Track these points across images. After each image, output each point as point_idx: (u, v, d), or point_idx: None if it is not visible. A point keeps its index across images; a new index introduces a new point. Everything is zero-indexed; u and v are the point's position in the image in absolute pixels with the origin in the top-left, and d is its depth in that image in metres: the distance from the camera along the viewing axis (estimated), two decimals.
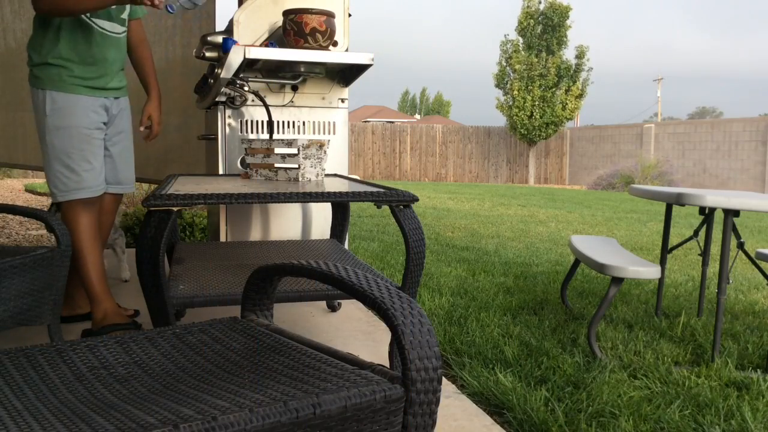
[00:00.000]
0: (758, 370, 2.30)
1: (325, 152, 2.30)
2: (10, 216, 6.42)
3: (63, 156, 2.26)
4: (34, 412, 0.81)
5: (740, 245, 2.60)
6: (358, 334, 2.57)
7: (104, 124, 2.38)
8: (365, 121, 24.88)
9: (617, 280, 2.39)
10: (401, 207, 1.87)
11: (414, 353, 0.85)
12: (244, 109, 2.82)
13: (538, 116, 18.83)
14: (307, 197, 1.77)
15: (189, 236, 4.60)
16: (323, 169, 2.31)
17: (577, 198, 11.88)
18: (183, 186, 1.98)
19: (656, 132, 17.43)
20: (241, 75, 2.66)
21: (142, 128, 2.59)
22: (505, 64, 19.60)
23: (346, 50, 2.90)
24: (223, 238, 2.84)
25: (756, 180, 14.89)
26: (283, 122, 2.88)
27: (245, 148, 2.31)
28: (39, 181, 10.91)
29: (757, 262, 2.64)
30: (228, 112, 2.80)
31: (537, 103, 18.77)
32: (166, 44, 4.16)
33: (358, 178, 2.60)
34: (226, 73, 2.55)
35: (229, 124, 2.81)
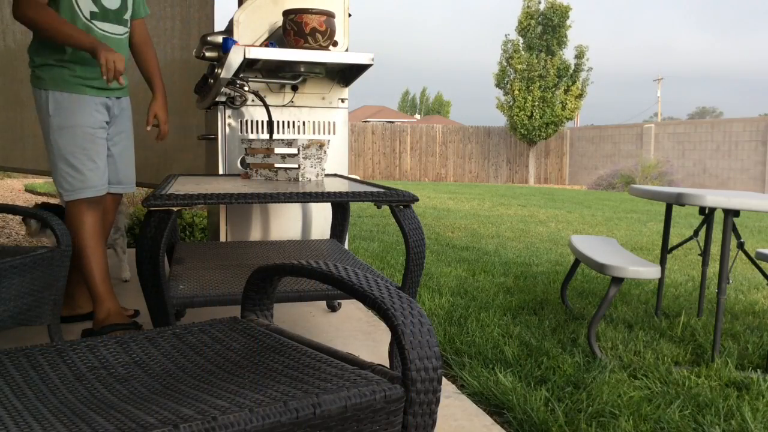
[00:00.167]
0: (758, 370, 2.30)
1: (325, 152, 2.30)
2: (10, 216, 6.42)
3: (68, 155, 2.26)
4: (34, 412, 0.81)
5: (740, 245, 2.60)
6: (358, 334, 2.57)
7: (106, 123, 2.38)
8: (365, 121, 24.88)
9: (617, 280, 2.39)
10: (401, 207, 1.87)
11: (414, 353, 0.85)
12: (244, 109, 2.82)
13: (538, 116, 18.83)
14: (307, 197, 1.77)
15: (189, 236, 4.60)
16: (323, 169, 2.31)
17: (577, 198, 11.88)
18: (183, 186, 1.98)
19: (656, 132, 17.43)
20: (241, 75, 2.66)
21: (149, 128, 2.58)
22: (505, 64, 19.60)
23: (346, 50, 2.90)
24: (223, 238, 2.84)
25: (756, 180, 14.89)
26: (283, 122, 2.88)
27: (245, 148, 2.31)
28: (39, 181, 10.91)
29: (757, 262, 2.64)
30: (228, 112, 2.80)
31: (537, 103, 18.77)
32: (165, 45, 4.15)
33: (358, 178, 2.60)
34: (226, 73, 2.55)
35: (229, 124, 2.81)
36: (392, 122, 24.71)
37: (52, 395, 0.88)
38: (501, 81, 19.75)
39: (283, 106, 2.87)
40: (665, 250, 2.91)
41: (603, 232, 6.54)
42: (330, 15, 2.69)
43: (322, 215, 2.96)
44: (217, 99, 2.75)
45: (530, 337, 2.59)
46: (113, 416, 0.79)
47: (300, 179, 2.18)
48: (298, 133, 2.91)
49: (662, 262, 2.89)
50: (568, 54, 23.32)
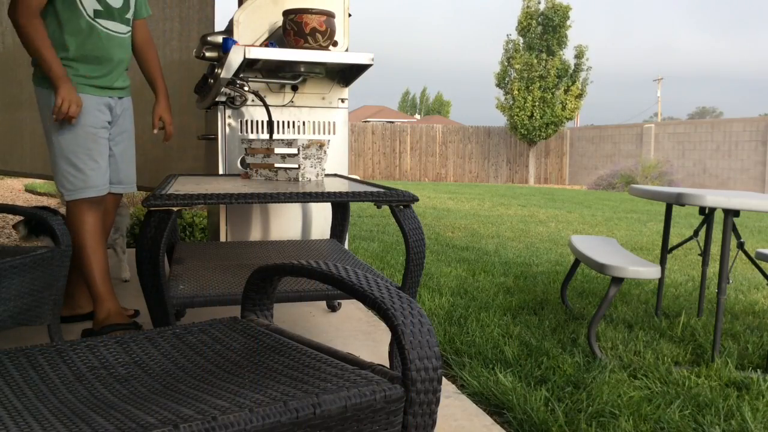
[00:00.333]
0: (758, 370, 2.30)
1: (325, 152, 2.30)
2: (10, 216, 6.43)
3: (70, 155, 2.26)
4: (34, 412, 0.81)
5: (740, 245, 2.60)
6: (358, 334, 2.57)
7: (108, 123, 2.38)
8: (365, 121, 24.88)
9: (617, 280, 2.39)
10: (401, 207, 1.87)
11: (414, 353, 0.85)
12: (244, 109, 2.82)
13: (538, 116, 18.83)
14: (307, 197, 1.77)
15: (189, 236, 4.60)
16: (323, 169, 2.31)
17: (577, 198, 11.88)
18: (183, 186, 1.98)
19: (656, 132, 17.43)
20: (241, 75, 2.66)
21: (155, 131, 2.60)
22: (506, 63, 19.60)
23: (346, 50, 2.90)
24: (223, 238, 2.84)
25: (756, 180, 14.89)
26: (283, 122, 2.88)
27: (245, 148, 2.31)
28: (39, 181, 10.90)
29: (757, 262, 2.64)
30: (228, 112, 2.80)
31: (537, 103, 18.77)
32: (164, 47, 4.15)
33: (358, 178, 2.60)
34: (226, 73, 2.55)
35: (229, 124, 2.81)
36: (392, 122, 24.71)
37: (52, 395, 0.88)
38: (502, 81, 19.75)
39: (283, 106, 2.87)
40: (665, 250, 2.91)
41: (603, 232, 6.54)
42: (330, 15, 2.69)
43: (322, 215, 2.96)
44: (217, 99, 2.75)
45: (530, 337, 2.59)
46: (113, 416, 0.79)
47: (300, 179, 2.18)
48: (298, 133, 2.91)
49: (662, 262, 2.89)
50: (568, 54, 23.31)
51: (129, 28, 2.43)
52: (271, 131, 2.62)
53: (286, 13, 2.67)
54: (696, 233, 2.83)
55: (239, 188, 1.88)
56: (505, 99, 19.66)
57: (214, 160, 2.92)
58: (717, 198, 2.25)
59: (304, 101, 2.90)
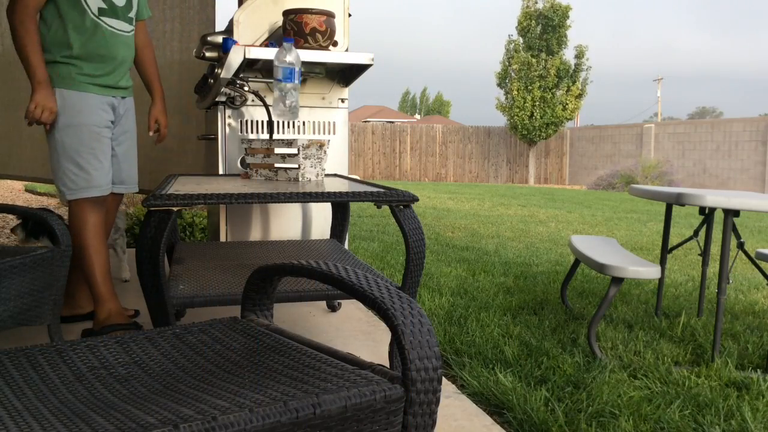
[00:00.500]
0: (758, 370, 2.30)
1: (325, 152, 2.30)
2: (10, 216, 6.42)
3: (73, 154, 2.25)
4: (34, 412, 0.81)
5: (740, 245, 2.60)
6: (358, 334, 2.57)
7: (111, 123, 2.38)
8: (365, 121, 24.89)
9: (617, 280, 2.39)
10: (401, 207, 1.87)
11: (414, 353, 0.85)
12: (244, 109, 2.82)
13: (538, 116, 18.83)
14: (307, 197, 1.77)
15: (189, 236, 4.60)
16: (323, 169, 2.31)
17: (577, 198, 11.88)
18: (183, 186, 1.98)
19: (656, 132, 17.43)
20: (241, 75, 2.66)
21: (151, 133, 2.60)
22: (507, 63, 19.60)
23: (346, 50, 2.90)
24: (223, 238, 2.84)
25: (756, 180, 14.89)
26: (283, 122, 2.88)
27: (245, 148, 2.31)
28: None
29: (757, 262, 2.64)
30: (228, 112, 2.80)
31: (537, 103, 18.77)
32: (164, 48, 4.15)
33: (358, 178, 2.60)
34: (226, 73, 2.55)
35: (229, 124, 2.81)
36: (392, 122, 24.71)
37: (52, 395, 0.88)
38: (503, 80, 19.75)
39: None
40: (665, 250, 2.91)
41: (603, 232, 6.54)
42: (330, 15, 2.69)
43: (322, 215, 2.96)
44: (217, 99, 2.75)
45: (530, 337, 2.59)
46: (113, 416, 0.79)
47: (300, 179, 2.18)
48: (298, 133, 2.91)
49: (662, 262, 2.89)
50: (568, 54, 23.31)
51: (132, 27, 2.43)
52: (271, 131, 2.62)
53: (286, 13, 2.67)
54: (696, 233, 2.83)
55: (239, 188, 1.88)
56: (506, 99, 19.67)
57: (214, 160, 2.92)
58: (717, 198, 2.25)
59: (304, 101, 2.90)
